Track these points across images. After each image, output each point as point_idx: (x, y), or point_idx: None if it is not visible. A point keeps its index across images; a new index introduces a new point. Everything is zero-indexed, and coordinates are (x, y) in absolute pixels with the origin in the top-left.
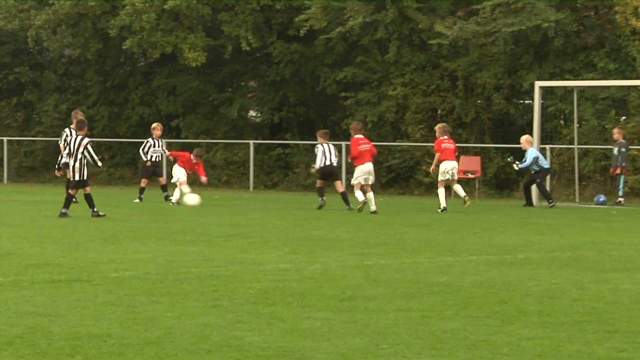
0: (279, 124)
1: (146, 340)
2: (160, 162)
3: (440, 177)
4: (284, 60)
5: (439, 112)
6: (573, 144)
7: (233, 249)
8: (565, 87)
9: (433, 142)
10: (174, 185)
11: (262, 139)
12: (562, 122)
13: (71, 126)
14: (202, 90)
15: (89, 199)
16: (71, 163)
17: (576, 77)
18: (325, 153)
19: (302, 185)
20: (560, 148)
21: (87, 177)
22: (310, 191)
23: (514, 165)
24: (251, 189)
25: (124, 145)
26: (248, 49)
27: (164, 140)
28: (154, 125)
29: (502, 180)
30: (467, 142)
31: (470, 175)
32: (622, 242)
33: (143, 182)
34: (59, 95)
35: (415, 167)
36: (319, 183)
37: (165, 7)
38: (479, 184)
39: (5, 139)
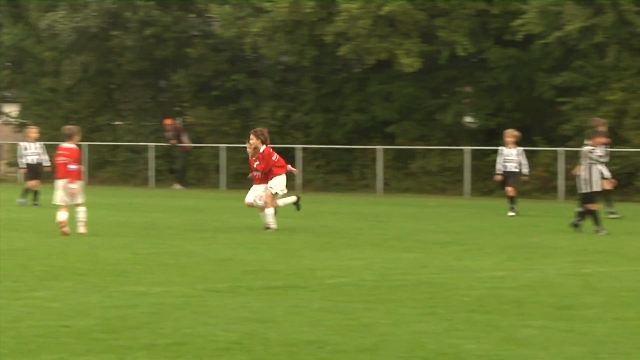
0: (495, 130)
1: (361, 347)
2: (38, 165)
3: None
4: (500, 66)
5: None
6: None
7: (448, 255)
8: None
9: None
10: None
11: (478, 145)
12: None
13: None
14: (417, 96)
15: None
16: None
17: None
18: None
19: (518, 192)
20: None
21: None
22: (525, 197)
23: None
24: (467, 195)
25: (339, 152)
26: (464, 54)
27: (41, 143)
28: (30, 128)
29: None
30: None
31: None
32: None
33: (30, 184)
34: (275, 102)
35: (635, 173)
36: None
37: (381, 13)
38: None
39: (222, 145)
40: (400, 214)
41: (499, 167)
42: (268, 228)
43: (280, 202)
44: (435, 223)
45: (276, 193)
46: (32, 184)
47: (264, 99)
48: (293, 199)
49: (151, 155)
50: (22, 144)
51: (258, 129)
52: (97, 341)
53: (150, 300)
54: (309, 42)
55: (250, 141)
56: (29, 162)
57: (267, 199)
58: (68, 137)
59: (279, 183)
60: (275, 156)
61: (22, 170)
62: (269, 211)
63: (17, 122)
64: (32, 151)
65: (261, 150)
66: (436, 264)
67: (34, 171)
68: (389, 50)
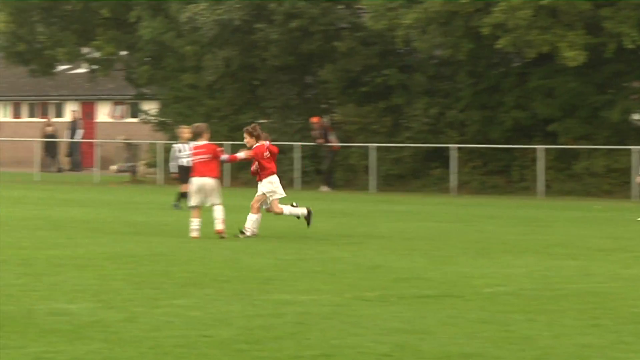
0: None
1: None
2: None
3: None
4: None
5: None
6: None
7: (615, 263)
8: None
9: None
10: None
11: None
12: None
13: None
14: (581, 92)
15: None
16: None
17: None
18: None
19: None
20: None
21: None
22: None
23: None
24: (635, 198)
25: (497, 152)
26: (632, 46)
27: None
28: (182, 128)
29: None
30: None
31: None
32: None
33: (184, 188)
34: (428, 99)
35: None
36: None
37: (542, 3)
38: None
39: (372, 145)
40: (563, 218)
41: None
42: (243, 233)
43: (286, 210)
44: (601, 228)
45: (270, 195)
46: (186, 187)
47: (416, 95)
48: (303, 211)
49: (297, 155)
50: (175, 145)
51: (250, 125)
52: (240, 352)
53: (296, 309)
54: (464, 35)
55: (244, 140)
56: (183, 164)
57: (255, 204)
58: (198, 136)
59: (269, 185)
60: (266, 153)
61: (173, 175)
62: (252, 217)
63: (156, 121)
64: (186, 153)
65: (252, 148)
66: (601, 272)
67: (187, 173)
68: (550, 42)
